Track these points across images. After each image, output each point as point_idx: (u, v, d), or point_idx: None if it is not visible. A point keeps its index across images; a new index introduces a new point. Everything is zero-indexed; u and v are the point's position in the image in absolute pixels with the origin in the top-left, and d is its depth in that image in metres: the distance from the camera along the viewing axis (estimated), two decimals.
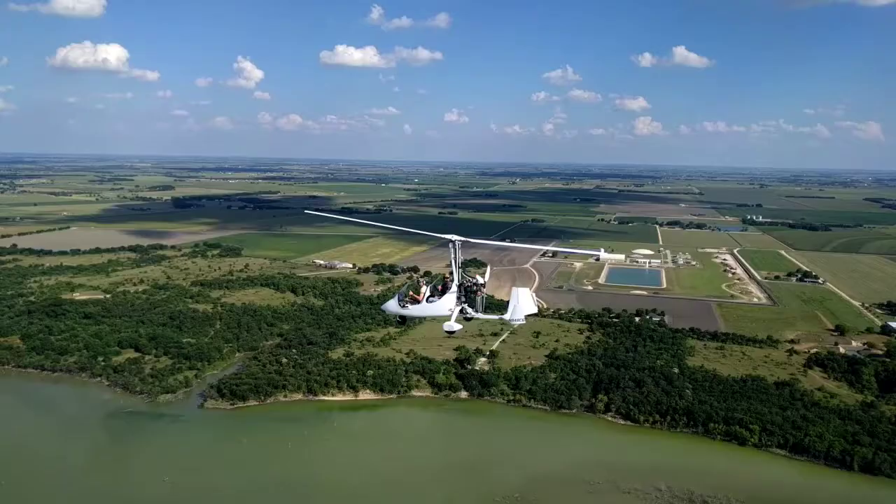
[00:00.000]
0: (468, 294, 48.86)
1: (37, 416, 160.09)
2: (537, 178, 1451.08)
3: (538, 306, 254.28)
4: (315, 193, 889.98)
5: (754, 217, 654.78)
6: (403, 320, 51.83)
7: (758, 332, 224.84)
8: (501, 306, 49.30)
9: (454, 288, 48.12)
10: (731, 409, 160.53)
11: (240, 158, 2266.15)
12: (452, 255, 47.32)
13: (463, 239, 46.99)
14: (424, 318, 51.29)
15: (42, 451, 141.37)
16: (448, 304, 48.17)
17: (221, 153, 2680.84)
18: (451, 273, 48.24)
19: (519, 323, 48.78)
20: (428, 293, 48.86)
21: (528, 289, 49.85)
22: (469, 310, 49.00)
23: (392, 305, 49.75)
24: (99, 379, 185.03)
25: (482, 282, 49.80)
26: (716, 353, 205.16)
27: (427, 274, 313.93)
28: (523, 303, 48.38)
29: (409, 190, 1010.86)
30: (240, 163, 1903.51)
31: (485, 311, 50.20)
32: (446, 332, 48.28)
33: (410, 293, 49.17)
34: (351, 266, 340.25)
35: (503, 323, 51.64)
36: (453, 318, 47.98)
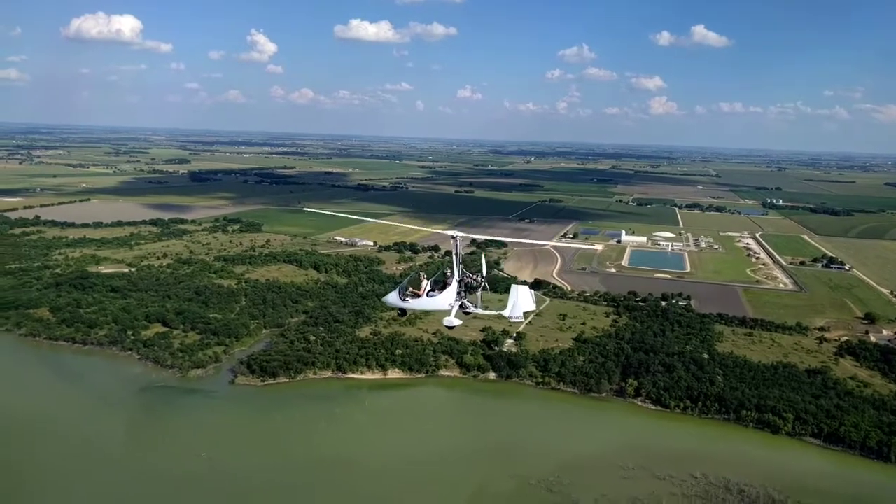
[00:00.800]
0: (468, 289, 48.95)
1: (72, 389, 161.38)
2: (552, 157, 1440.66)
3: (564, 287, 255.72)
4: (330, 169, 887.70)
5: (774, 200, 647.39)
6: (404, 313, 51.60)
7: (786, 318, 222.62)
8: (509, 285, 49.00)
9: (454, 283, 48.08)
10: (763, 397, 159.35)
11: (252, 133, 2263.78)
12: (453, 251, 47.35)
13: (464, 235, 47.15)
14: (425, 311, 51.01)
15: (80, 424, 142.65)
16: (448, 298, 48.13)
17: (233, 127, 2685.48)
18: (452, 268, 48.25)
19: (518, 320, 49.16)
20: (428, 287, 48.69)
21: (527, 286, 49.82)
22: (469, 305, 49.11)
23: (392, 298, 49.49)
24: (130, 353, 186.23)
25: (482, 278, 49.68)
26: (745, 339, 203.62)
27: (447, 254, 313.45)
28: (522, 300, 48.60)
29: (423, 167, 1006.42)
30: (252, 137, 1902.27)
31: (485, 307, 50.41)
32: (446, 326, 48.49)
33: (411, 287, 49.03)
34: (372, 244, 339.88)
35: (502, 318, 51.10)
36: (453, 313, 48.01)
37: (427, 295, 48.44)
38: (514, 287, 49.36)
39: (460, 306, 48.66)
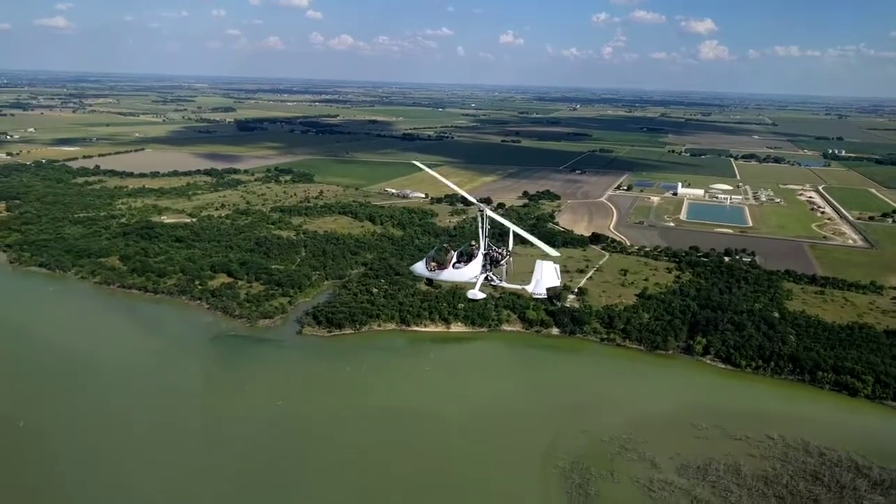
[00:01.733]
0: (493, 263, 49.81)
1: (152, 337, 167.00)
2: (597, 105, 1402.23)
3: (623, 242, 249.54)
4: (374, 118, 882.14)
5: (836, 151, 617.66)
6: (431, 282, 53.22)
7: (858, 276, 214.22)
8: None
9: (480, 256, 48.99)
10: (840, 358, 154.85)
11: (292, 80, 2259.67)
12: (479, 225, 48.11)
13: (491, 213, 47.62)
14: (450, 282, 52.31)
15: (163, 371, 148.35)
16: (473, 271, 49.35)
17: (273, 74, 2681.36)
18: (478, 240, 49.10)
19: (540, 296, 49.23)
20: (455, 259, 49.91)
21: (552, 262, 50.04)
22: (494, 278, 50.15)
23: (420, 268, 51.15)
24: (199, 302, 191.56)
25: (508, 252, 50.28)
26: (815, 297, 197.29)
27: (500, 206, 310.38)
28: (546, 276, 48.94)
29: (467, 115, 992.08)
30: (293, 85, 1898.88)
31: (510, 280, 51.28)
32: (470, 299, 49.64)
33: (438, 258, 50.34)
34: (423, 196, 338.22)
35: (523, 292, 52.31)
36: (478, 285, 49.21)
37: (453, 266, 49.79)
38: (538, 263, 49.37)
39: (486, 279, 49.76)
